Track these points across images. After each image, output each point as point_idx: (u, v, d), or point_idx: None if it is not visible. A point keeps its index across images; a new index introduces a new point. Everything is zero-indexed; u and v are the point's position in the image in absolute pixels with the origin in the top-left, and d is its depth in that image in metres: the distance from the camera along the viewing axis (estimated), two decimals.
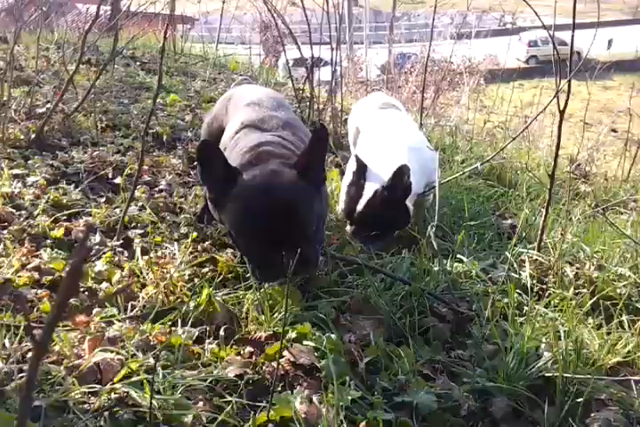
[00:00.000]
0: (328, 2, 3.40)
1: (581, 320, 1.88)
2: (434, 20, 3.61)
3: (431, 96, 8.13)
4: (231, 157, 1.67)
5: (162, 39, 4.95)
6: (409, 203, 2.25)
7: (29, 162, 2.43)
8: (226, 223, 1.54)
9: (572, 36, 1.92)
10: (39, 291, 1.67)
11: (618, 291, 2.03)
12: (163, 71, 2.36)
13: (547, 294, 1.89)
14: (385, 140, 2.32)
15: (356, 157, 2.21)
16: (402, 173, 2.11)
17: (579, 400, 1.47)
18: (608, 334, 1.77)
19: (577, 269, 2.09)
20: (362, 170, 2.19)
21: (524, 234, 2.51)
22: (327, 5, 3.42)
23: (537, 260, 2.16)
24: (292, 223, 1.41)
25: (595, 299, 1.87)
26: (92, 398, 1.22)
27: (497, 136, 5.19)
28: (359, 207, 2.18)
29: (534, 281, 2.08)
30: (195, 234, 2.06)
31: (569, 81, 1.87)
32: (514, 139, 2.48)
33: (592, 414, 1.49)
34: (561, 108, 1.89)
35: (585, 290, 1.98)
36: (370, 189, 2.17)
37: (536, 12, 2.10)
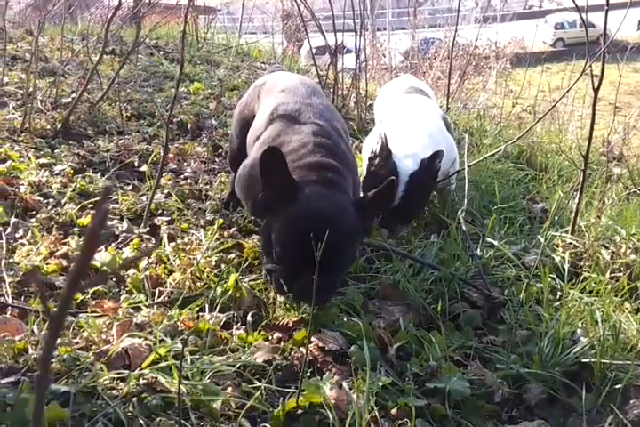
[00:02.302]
0: None
1: (618, 305, 1.82)
2: (459, 4, 3.51)
3: (457, 81, 7.99)
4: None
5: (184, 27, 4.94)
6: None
7: (56, 151, 2.44)
8: (272, 228, 1.52)
9: (606, 14, 1.84)
10: (67, 277, 1.68)
11: None
12: (184, 58, 2.34)
13: (581, 279, 1.82)
14: (403, 129, 2.26)
15: (382, 139, 2.15)
16: (437, 157, 2.07)
17: (617, 387, 1.42)
18: None
19: (612, 252, 2.02)
20: (388, 155, 2.13)
21: (556, 218, 2.44)
22: None
23: (571, 243, 2.10)
24: (331, 258, 1.41)
25: (632, 283, 1.81)
26: (121, 383, 1.22)
27: (525, 119, 5.07)
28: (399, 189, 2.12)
29: (568, 265, 2.02)
30: (221, 220, 2.05)
31: (603, 59, 1.80)
32: (540, 119, 2.41)
33: (631, 401, 1.44)
34: (595, 87, 1.82)
35: (621, 274, 1.91)
36: (404, 174, 2.10)
37: None
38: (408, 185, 2.07)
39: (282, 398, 1.28)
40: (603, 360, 1.46)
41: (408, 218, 2.17)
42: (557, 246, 2.13)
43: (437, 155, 2.06)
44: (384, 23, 17.42)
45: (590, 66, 1.84)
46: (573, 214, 2.11)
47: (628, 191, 3.02)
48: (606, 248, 2.07)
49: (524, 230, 2.38)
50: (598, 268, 1.95)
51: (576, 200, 2.09)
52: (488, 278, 1.90)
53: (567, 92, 2.29)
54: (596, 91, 1.87)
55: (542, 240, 2.05)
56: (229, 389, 1.26)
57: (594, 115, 1.93)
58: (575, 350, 1.50)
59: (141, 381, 1.22)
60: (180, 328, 1.43)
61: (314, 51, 3.93)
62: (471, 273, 1.92)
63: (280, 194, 1.48)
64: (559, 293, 1.81)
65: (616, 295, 1.82)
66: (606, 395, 1.42)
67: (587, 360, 1.48)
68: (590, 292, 1.82)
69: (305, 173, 1.55)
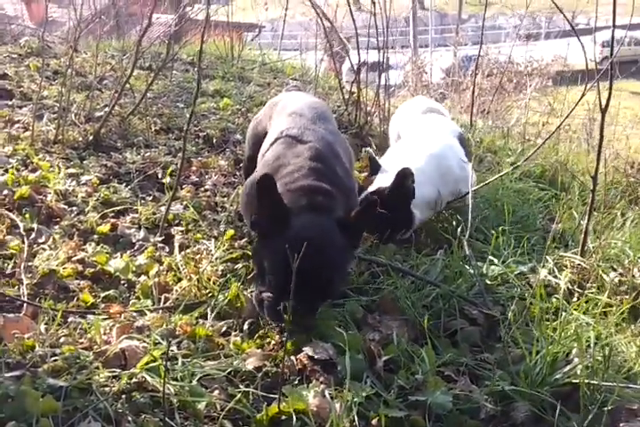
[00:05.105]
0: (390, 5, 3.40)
1: (622, 327, 1.81)
2: (484, 20, 3.54)
3: (495, 99, 7.96)
4: (264, 170, 1.79)
5: (220, 45, 5.09)
6: (416, 210, 2.21)
7: (84, 162, 2.58)
8: (264, 255, 1.61)
9: (613, 34, 1.84)
10: (81, 282, 1.78)
11: None
12: (201, 74, 2.45)
13: (582, 300, 1.82)
14: (408, 146, 2.32)
15: (371, 156, 2.24)
16: (404, 176, 2.10)
17: (605, 409, 1.42)
18: None
19: (620, 274, 2.01)
20: (375, 168, 2.21)
21: (570, 238, 2.43)
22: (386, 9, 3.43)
23: (579, 264, 2.10)
24: (321, 288, 1.54)
25: (632, 305, 1.79)
26: (115, 382, 1.30)
27: (559, 138, 5.02)
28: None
29: (575, 286, 2.02)
30: (232, 231, 2.13)
31: (611, 81, 1.81)
32: (547, 139, 2.43)
33: (621, 424, 1.44)
34: (602, 108, 1.83)
35: (627, 296, 1.90)
36: (372, 189, 2.17)
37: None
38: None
39: (266, 404, 1.33)
40: (592, 382, 1.46)
41: (380, 234, 2.17)
42: (566, 267, 2.12)
43: (404, 173, 2.08)
44: (426, 40, 17.53)
45: (597, 86, 1.85)
46: (583, 235, 2.11)
47: None
48: (614, 270, 2.06)
49: (537, 250, 2.38)
50: (604, 289, 1.94)
51: (585, 221, 2.08)
52: (491, 297, 1.92)
53: (570, 112, 2.29)
54: (603, 112, 1.88)
55: (550, 260, 2.06)
56: (216, 392, 1.33)
57: (602, 136, 1.94)
58: (566, 370, 1.51)
59: (133, 380, 1.29)
60: (177, 333, 1.50)
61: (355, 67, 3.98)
62: (474, 291, 1.94)
63: (272, 219, 1.56)
64: (563, 313, 1.82)
65: (618, 317, 1.81)
66: (595, 417, 1.42)
67: (577, 381, 1.49)
68: (592, 313, 1.82)
69: (296, 197, 1.63)
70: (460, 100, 7.81)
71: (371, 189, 2.22)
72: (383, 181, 2.22)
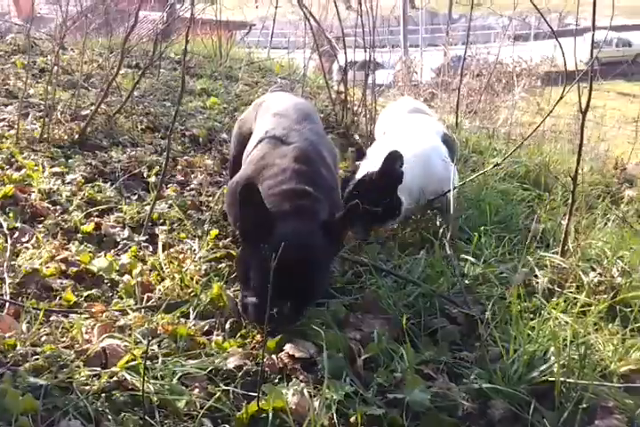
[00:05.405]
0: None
1: (601, 326, 1.84)
2: (470, 20, 3.57)
3: (483, 99, 8.00)
4: (248, 170, 1.84)
5: (208, 44, 5.07)
6: (402, 197, 2.22)
7: (70, 161, 2.57)
8: (249, 261, 1.63)
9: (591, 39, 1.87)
10: (64, 281, 1.78)
11: None
12: (186, 72, 2.46)
13: (562, 299, 1.85)
14: (392, 145, 2.34)
15: (358, 144, 2.26)
16: (393, 158, 2.12)
17: (581, 407, 1.45)
18: (624, 341, 1.73)
19: (599, 274, 2.04)
20: (360, 155, 2.24)
21: (552, 238, 2.46)
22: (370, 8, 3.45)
23: (559, 264, 2.13)
24: (302, 291, 1.57)
25: (610, 305, 1.83)
26: (95, 380, 1.30)
27: (545, 139, 5.06)
28: (347, 189, 2.19)
29: (555, 286, 2.05)
30: (216, 231, 2.14)
31: (591, 83, 1.84)
32: (525, 139, 2.45)
33: (596, 422, 1.46)
34: (582, 110, 1.86)
35: (605, 296, 1.93)
36: (362, 172, 2.18)
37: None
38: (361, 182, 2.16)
39: (246, 402, 1.35)
40: (568, 380, 1.49)
41: (368, 220, 2.16)
42: (546, 266, 2.15)
43: (393, 155, 2.10)
44: (417, 39, 17.54)
45: (576, 88, 1.88)
46: (563, 235, 2.14)
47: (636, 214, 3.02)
48: (594, 270, 2.09)
49: (518, 250, 2.40)
50: (583, 289, 1.97)
51: (566, 221, 2.11)
52: (471, 296, 1.95)
53: (549, 113, 2.32)
54: (583, 113, 1.90)
55: (531, 260, 2.09)
56: (197, 390, 1.34)
57: (582, 137, 1.97)
58: (542, 369, 1.53)
59: (114, 379, 1.30)
60: (158, 332, 1.51)
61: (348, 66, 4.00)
62: (455, 290, 1.96)
63: (256, 226, 1.58)
64: (543, 312, 1.84)
65: (600, 317, 1.84)
66: (571, 415, 1.44)
67: (553, 379, 1.51)
68: (570, 312, 1.84)
69: (279, 201, 1.65)
70: (449, 100, 7.84)
71: (359, 174, 2.23)
72: (371, 165, 2.23)
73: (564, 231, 2.14)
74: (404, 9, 14.69)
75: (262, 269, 1.53)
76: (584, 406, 1.44)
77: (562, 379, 1.47)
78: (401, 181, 2.17)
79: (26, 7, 9.49)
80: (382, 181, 2.15)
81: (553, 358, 1.58)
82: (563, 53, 1.88)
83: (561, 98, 1.86)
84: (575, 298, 1.88)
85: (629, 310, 1.83)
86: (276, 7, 7.18)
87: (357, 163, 2.34)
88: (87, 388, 1.27)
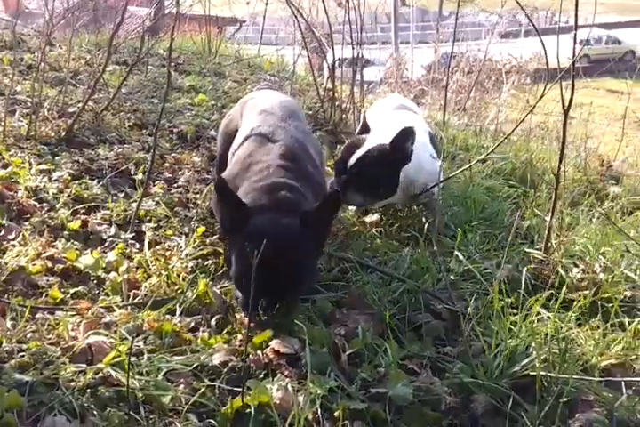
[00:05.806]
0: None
1: (583, 321, 1.87)
2: (457, 18, 3.58)
3: (473, 96, 8.03)
4: (235, 168, 1.85)
5: (197, 40, 5.06)
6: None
7: (57, 158, 2.57)
8: (231, 249, 1.68)
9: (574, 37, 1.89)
10: (51, 278, 1.78)
11: (625, 293, 2.01)
12: (171, 70, 2.46)
13: (544, 294, 1.87)
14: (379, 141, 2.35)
15: (364, 118, 2.28)
16: (407, 133, 2.13)
17: (561, 400, 1.47)
18: (604, 336, 1.76)
19: (582, 270, 2.07)
20: (365, 129, 2.24)
21: (536, 235, 2.49)
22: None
23: (543, 260, 2.15)
24: (287, 281, 1.58)
25: (592, 300, 1.86)
26: (81, 377, 1.31)
27: (532, 135, 5.08)
28: (354, 157, 2.18)
29: (538, 282, 2.07)
30: (203, 228, 2.14)
31: (573, 80, 1.86)
32: (508, 135, 2.47)
33: (577, 415, 1.49)
34: (565, 108, 1.88)
35: (587, 291, 1.96)
36: (370, 144, 2.18)
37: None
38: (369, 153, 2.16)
39: (231, 397, 1.36)
40: (549, 374, 1.52)
41: (366, 191, 2.19)
42: (531, 262, 2.18)
43: (407, 131, 2.11)
44: (407, 36, 17.58)
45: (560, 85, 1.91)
46: (546, 232, 2.17)
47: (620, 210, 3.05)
48: (576, 266, 2.12)
49: (503, 246, 2.43)
50: (566, 285, 2.00)
51: (549, 218, 2.14)
52: (456, 292, 1.97)
53: (530, 111, 2.34)
54: (565, 111, 1.93)
55: (515, 256, 2.12)
56: (182, 386, 1.35)
57: (564, 135, 1.99)
58: (524, 363, 1.56)
59: (99, 375, 1.31)
60: (144, 328, 1.52)
61: (337, 63, 4.00)
62: (440, 286, 1.98)
63: (233, 219, 1.61)
64: (526, 308, 1.87)
65: (582, 313, 1.87)
66: (552, 408, 1.47)
67: (534, 373, 1.54)
68: (552, 308, 1.87)
69: (258, 196, 1.67)
70: (439, 97, 7.87)
71: (368, 145, 2.20)
72: (380, 139, 2.21)
73: (547, 228, 2.17)
74: (395, 6, 14.71)
75: (236, 261, 1.59)
76: (565, 399, 1.47)
77: (543, 373, 1.50)
78: (409, 159, 2.17)
79: (13, 2, 9.42)
80: (392, 155, 2.15)
81: (534, 352, 1.60)
82: (545, 52, 1.90)
83: (542, 96, 1.89)
84: (557, 293, 1.90)
85: (610, 305, 1.86)
86: (267, 4, 7.17)
87: (361, 136, 2.31)
88: (73, 384, 1.28)
